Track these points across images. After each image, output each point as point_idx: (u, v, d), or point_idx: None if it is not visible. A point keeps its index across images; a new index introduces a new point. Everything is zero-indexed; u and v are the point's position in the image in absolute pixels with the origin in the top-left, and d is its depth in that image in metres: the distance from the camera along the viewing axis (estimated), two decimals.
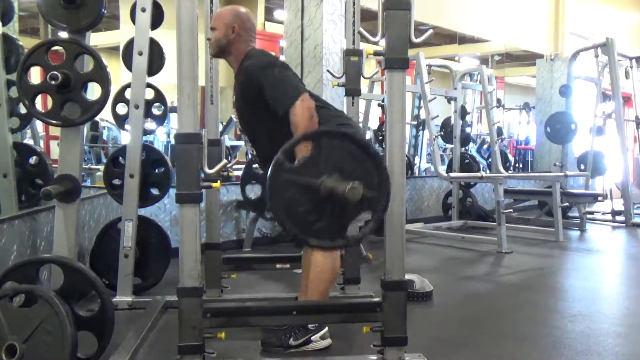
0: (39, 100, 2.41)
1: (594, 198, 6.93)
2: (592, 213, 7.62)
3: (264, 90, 2.49)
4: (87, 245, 3.54)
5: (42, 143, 6.39)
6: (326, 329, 2.63)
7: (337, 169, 1.94)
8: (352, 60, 3.27)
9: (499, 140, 6.71)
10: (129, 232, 3.22)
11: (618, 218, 7.23)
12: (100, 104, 2.30)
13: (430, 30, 2.30)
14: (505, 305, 3.56)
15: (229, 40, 2.62)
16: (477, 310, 3.45)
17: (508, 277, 4.45)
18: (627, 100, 8.39)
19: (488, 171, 7.46)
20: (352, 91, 3.33)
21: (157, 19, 3.34)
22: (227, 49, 2.65)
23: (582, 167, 7.63)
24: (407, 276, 2.55)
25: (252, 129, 2.68)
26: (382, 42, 2.11)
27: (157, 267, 3.53)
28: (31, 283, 2.17)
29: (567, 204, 6.70)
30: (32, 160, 3.38)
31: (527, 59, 10.85)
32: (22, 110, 3.32)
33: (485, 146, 9.36)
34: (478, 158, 7.90)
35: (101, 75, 2.29)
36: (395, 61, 2.09)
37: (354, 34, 3.32)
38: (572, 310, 3.40)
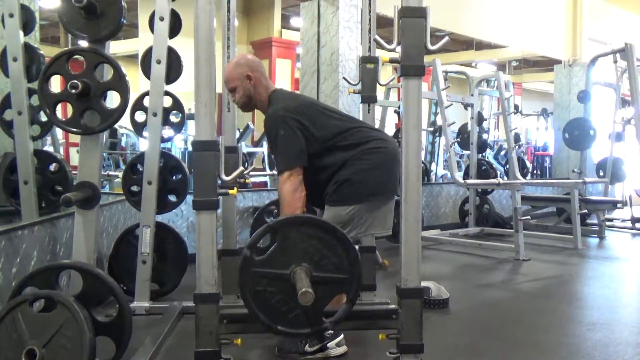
0: (59, 108, 2.44)
1: (614, 205, 6.85)
2: (611, 220, 7.53)
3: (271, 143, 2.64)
4: (106, 251, 3.58)
5: (62, 150, 6.49)
6: (342, 335, 2.63)
7: (306, 256, 1.97)
8: (368, 67, 3.28)
9: (516, 147, 6.67)
10: (146, 238, 3.25)
11: (638, 225, 7.12)
12: (119, 112, 2.33)
13: (446, 38, 2.29)
14: (522, 313, 3.53)
15: (251, 90, 2.69)
16: (494, 318, 3.42)
17: (525, 284, 4.41)
18: None
19: (505, 178, 7.41)
20: (368, 98, 3.34)
21: (175, 28, 3.39)
22: (254, 99, 2.72)
23: (601, 173, 7.55)
24: (424, 283, 2.54)
25: None
26: (398, 49, 2.12)
27: (174, 273, 3.56)
28: (51, 288, 2.20)
29: (585, 210, 6.63)
30: (52, 167, 3.43)
31: (545, 64, 10.80)
32: (43, 118, 3.37)
33: (502, 152, 9.31)
34: (495, 164, 7.85)
35: (120, 84, 2.33)
36: (411, 68, 2.08)
37: (369, 41, 3.33)
38: (591, 319, 3.37)
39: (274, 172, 6.46)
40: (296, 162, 2.54)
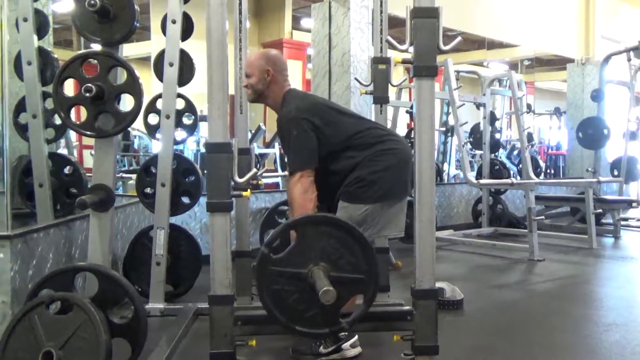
0: (74, 112, 2.46)
1: (628, 204, 6.79)
2: (626, 219, 7.46)
3: (284, 142, 2.65)
4: (121, 253, 3.60)
5: (75, 152, 6.53)
6: (356, 337, 2.63)
7: (324, 255, 1.96)
8: (379, 68, 3.27)
9: (529, 146, 6.62)
10: (160, 240, 3.26)
11: None
12: (133, 115, 2.34)
13: (459, 38, 2.29)
14: (537, 313, 3.51)
15: (265, 84, 2.69)
16: (508, 319, 3.40)
17: (540, 285, 4.38)
18: None
19: (519, 177, 7.36)
20: (380, 99, 3.33)
21: (187, 30, 3.40)
22: (264, 93, 2.72)
23: (616, 172, 7.47)
24: (438, 284, 2.53)
25: None
26: (410, 50, 2.11)
27: (188, 275, 3.58)
28: (67, 291, 2.21)
29: (600, 210, 6.57)
30: (67, 170, 3.45)
31: (558, 63, 10.70)
32: (57, 121, 3.40)
33: (515, 152, 9.24)
34: (509, 164, 7.80)
35: (134, 87, 2.34)
36: (424, 69, 2.08)
37: (381, 42, 3.32)
38: (607, 319, 3.34)
39: (286, 173, 6.47)
40: (308, 164, 2.54)
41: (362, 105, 5.31)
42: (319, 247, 1.98)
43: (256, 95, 2.73)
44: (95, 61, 2.36)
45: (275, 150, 7.97)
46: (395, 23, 3.68)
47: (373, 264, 2.02)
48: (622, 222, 6.92)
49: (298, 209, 2.50)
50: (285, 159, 2.87)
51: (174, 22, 3.30)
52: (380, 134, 2.68)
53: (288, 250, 1.99)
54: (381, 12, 3.37)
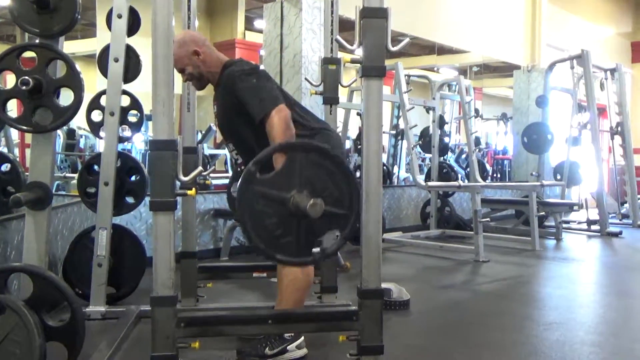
0: (14, 107, 2.36)
1: (570, 207, 7.01)
2: (568, 222, 7.72)
3: (241, 97, 2.47)
4: (61, 254, 3.47)
5: (17, 151, 6.29)
6: (302, 338, 2.61)
7: (309, 184, 1.94)
8: (330, 68, 3.27)
9: (477, 150, 6.76)
10: (102, 240, 3.17)
11: (593, 227, 7.33)
12: (72, 109, 2.26)
13: (407, 39, 2.31)
14: (481, 313, 3.57)
15: (201, 66, 2.60)
16: (453, 319, 3.45)
17: (485, 285, 4.47)
18: (602, 111, 8.53)
19: (466, 181, 7.51)
20: (330, 99, 3.33)
21: (133, 26, 3.31)
22: (205, 74, 2.62)
23: (559, 176, 7.72)
24: (385, 285, 2.54)
25: (237, 136, 2.63)
26: (359, 50, 2.11)
27: (132, 277, 3.48)
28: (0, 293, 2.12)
29: (543, 213, 6.77)
30: (4, 167, 3.31)
31: (505, 70, 10.97)
32: None
33: (463, 156, 9.42)
34: (456, 168, 7.95)
35: (74, 81, 2.26)
36: (372, 69, 2.08)
37: (331, 42, 3.33)
38: (548, 319, 3.42)
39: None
40: (279, 100, 2.43)
41: (313, 106, 5.29)
42: (306, 174, 1.95)
43: (201, 80, 2.63)
44: (34, 54, 2.27)
45: (226, 151, 7.88)
46: (348, 26, 3.69)
47: (356, 201, 2.00)
48: (564, 225, 7.16)
49: None
50: (219, 126, 2.73)
51: (119, 16, 3.21)
52: (316, 124, 2.67)
53: (274, 173, 1.95)
54: (332, 12, 3.37)
